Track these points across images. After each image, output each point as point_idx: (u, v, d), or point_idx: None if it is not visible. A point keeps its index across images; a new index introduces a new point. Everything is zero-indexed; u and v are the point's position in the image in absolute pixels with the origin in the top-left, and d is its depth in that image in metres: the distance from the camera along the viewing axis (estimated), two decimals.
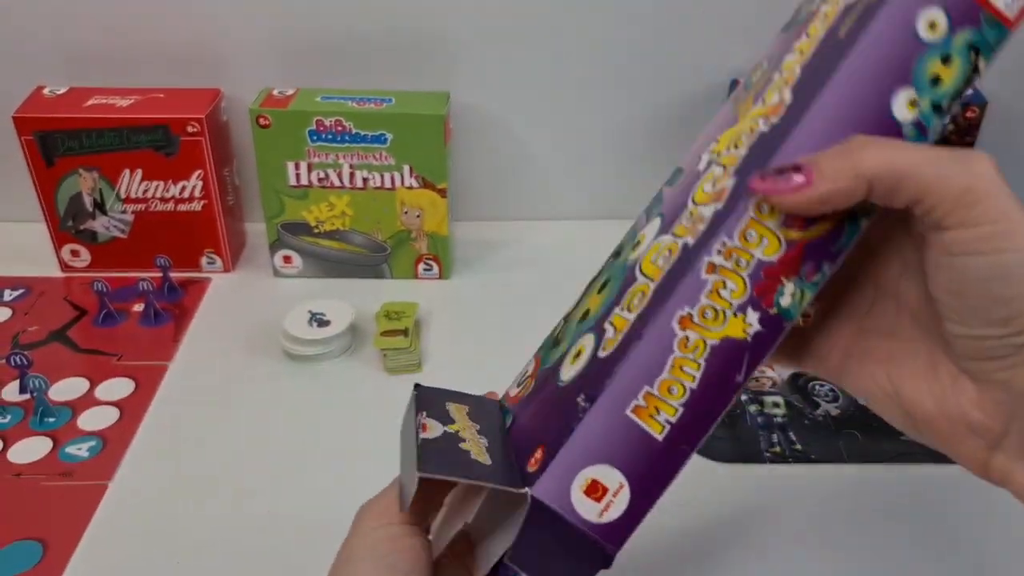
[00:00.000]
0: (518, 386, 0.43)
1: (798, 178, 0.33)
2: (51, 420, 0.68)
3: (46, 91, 0.80)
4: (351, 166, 0.79)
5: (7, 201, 0.89)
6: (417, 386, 0.43)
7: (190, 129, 0.78)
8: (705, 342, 0.35)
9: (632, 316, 0.36)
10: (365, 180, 0.79)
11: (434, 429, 0.39)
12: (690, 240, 0.36)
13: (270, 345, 0.75)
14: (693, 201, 0.37)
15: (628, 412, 0.35)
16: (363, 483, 0.63)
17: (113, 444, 0.66)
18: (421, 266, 0.84)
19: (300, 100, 0.78)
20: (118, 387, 0.71)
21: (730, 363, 0.35)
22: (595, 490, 0.35)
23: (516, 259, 0.88)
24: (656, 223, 0.39)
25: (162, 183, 0.80)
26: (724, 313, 0.35)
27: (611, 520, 0.35)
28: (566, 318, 0.43)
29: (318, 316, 0.75)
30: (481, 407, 0.43)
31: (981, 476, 0.35)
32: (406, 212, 0.81)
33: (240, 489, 0.63)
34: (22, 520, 0.60)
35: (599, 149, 0.90)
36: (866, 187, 0.32)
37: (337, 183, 0.80)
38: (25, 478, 0.63)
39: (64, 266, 0.85)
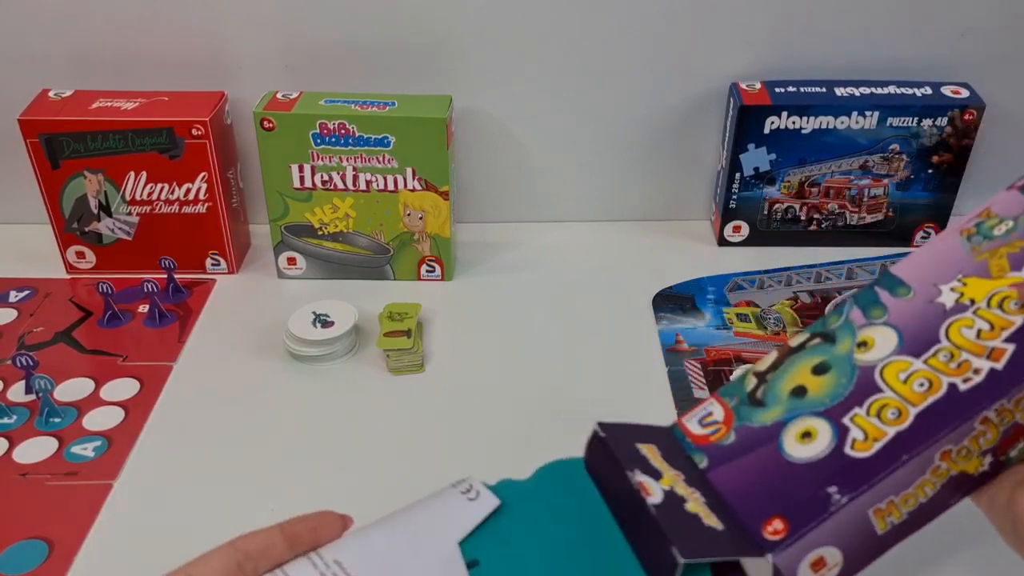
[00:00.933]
0: (703, 426, 0.47)
1: None
2: (57, 420, 0.68)
3: (51, 94, 0.81)
4: (354, 168, 0.79)
5: (13, 203, 0.90)
6: (602, 426, 0.46)
7: (195, 132, 0.78)
8: (949, 472, 0.40)
9: (889, 430, 0.41)
10: (368, 182, 0.80)
11: (654, 491, 0.43)
12: (959, 384, 0.40)
13: (274, 346, 0.76)
14: (950, 340, 0.42)
15: (870, 512, 0.40)
16: (366, 483, 0.64)
17: (118, 444, 0.66)
18: (424, 268, 0.85)
19: (304, 103, 0.78)
20: (123, 387, 0.72)
21: (955, 490, 0.41)
22: (820, 565, 0.41)
23: (518, 261, 0.89)
24: (891, 335, 0.44)
25: (167, 185, 0.81)
26: (973, 454, 0.40)
27: None
28: (760, 376, 0.47)
29: (322, 317, 0.75)
30: (666, 444, 0.47)
31: None
32: (409, 214, 0.82)
33: (244, 489, 0.63)
34: (28, 519, 0.60)
35: (600, 152, 0.90)
36: None
37: (340, 185, 0.80)
38: (31, 478, 0.64)
39: (69, 268, 0.85)
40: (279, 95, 0.80)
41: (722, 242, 0.90)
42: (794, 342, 0.47)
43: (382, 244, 0.83)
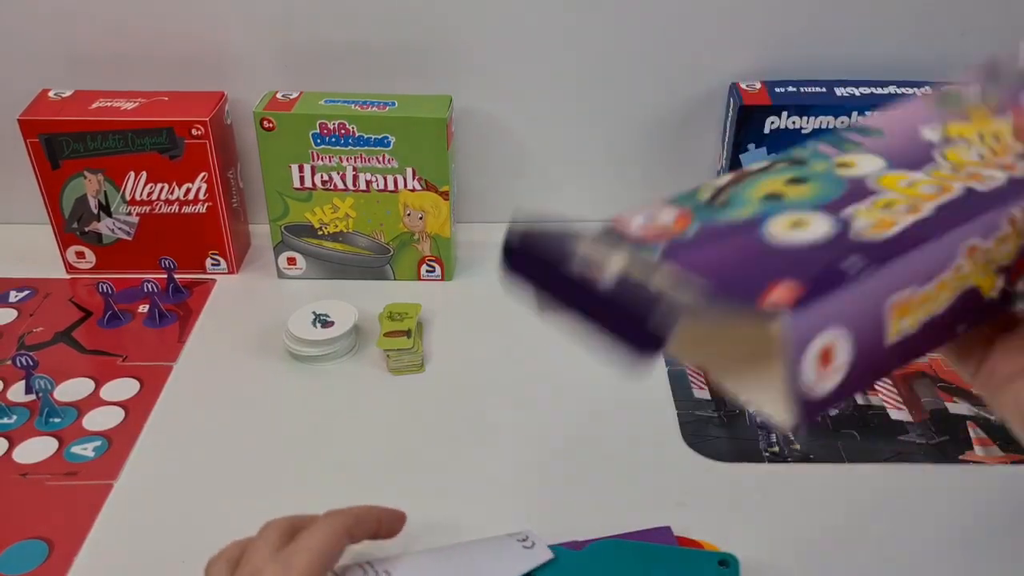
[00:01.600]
0: (647, 228, 0.37)
1: None
2: (57, 420, 0.68)
3: (51, 94, 0.81)
4: (354, 168, 0.79)
5: (13, 203, 0.90)
6: (516, 230, 0.36)
7: (194, 132, 0.78)
8: (968, 280, 0.34)
9: (905, 219, 0.34)
10: (368, 182, 0.80)
11: (607, 268, 0.33)
12: (976, 187, 0.35)
13: (274, 346, 0.76)
14: (949, 161, 0.36)
15: (888, 303, 0.33)
16: (366, 482, 0.64)
17: (118, 444, 0.66)
18: (424, 268, 0.85)
19: (304, 103, 0.78)
20: (123, 387, 0.72)
21: (966, 312, 0.35)
22: (827, 360, 0.33)
23: None
24: (875, 159, 0.37)
25: (167, 185, 0.81)
26: (992, 265, 0.35)
27: (821, 394, 0.33)
28: (719, 188, 0.39)
29: (322, 317, 0.75)
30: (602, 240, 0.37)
31: None
32: (409, 214, 0.82)
33: (244, 489, 0.63)
34: (28, 520, 0.60)
35: (600, 152, 0.90)
36: None
37: (340, 185, 0.80)
38: (31, 478, 0.64)
39: (69, 268, 0.85)
40: (279, 95, 0.79)
41: None
42: (755, 167, 0.39)
43: (382, 244, 0.83)
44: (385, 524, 0.52)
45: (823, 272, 0.32)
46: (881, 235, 0.33)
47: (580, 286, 0.34)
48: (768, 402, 0.34)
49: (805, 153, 0.39)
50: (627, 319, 0.32)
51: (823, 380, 0.33)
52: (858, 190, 0.35)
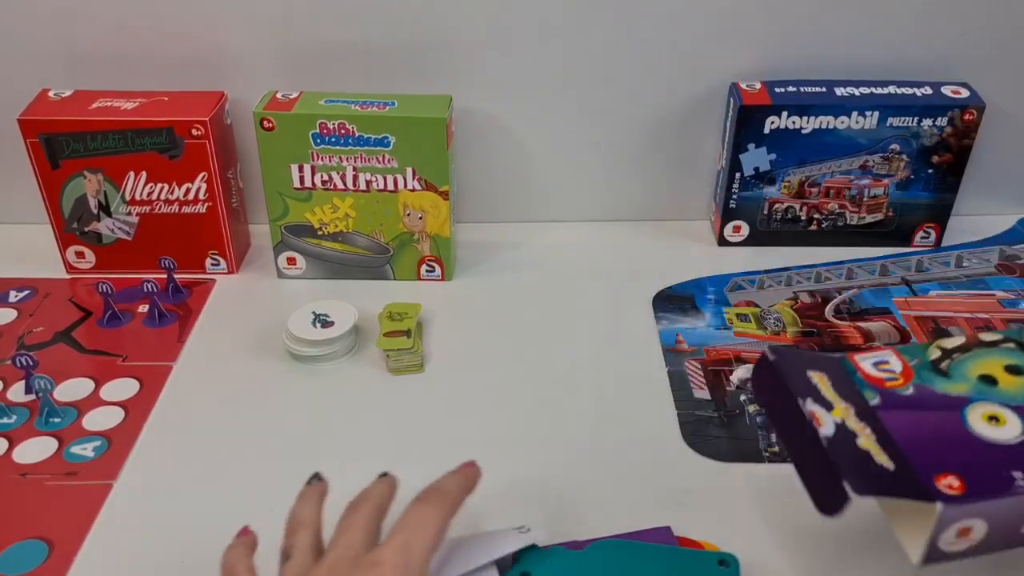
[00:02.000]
0: (877, 369, 0.48)
1: None
2: (56, 420, 0.68)
3: (51, 93, 0.81)
4: (354, 168, 0.79)
5: (13, 203, 0.90)
6: (772, 349, 0.47)
7: (194, 132, 0.78)
8: None
9: None
10: (368, 182, 0.80)
11: (825, 422, 0.44)
12: None
13: (274, 346, 0.76)
14: None
15: None
16: (366, 482, 0.63)
17: (118, 444, 0.66)
18: (423, 268, 0.85)
19: (304, 103, 0.78)
20: (123, 387, 0.72)
21: None
22: (965, 533, 0.41)
23: (517, 261, 0.89)
24: None
25: (167, 185, 0.81)
26: None
27: (950, 551, 0.42)
28: (946, 352, 0.48)
29: (322, 317, 0.75)
30: (836, 374, 0.47)
31: None
32: (408, 214, 0.82)
33: (244, 489, 0.63)
34: (27, 520, 0.60)
35: (600, 152, 0.90)
36: None
37: (340, 185, 0.80)
38: (30, 478, 0.63)
39: (69, 267, 0.85)
40: (279, 95, 0.79)
41: (722, 242, 0.90)
42: (986, 337, 0.48)
43: (382, 244, 0.83)
44: (469, 488, 0.53)
45: (988, 480, 0.40)
46: None
47: (799, 429, 0.44)
48: (909, 539, 0.43)
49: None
50: (817, 481, 0.43)
51: (957, 544, 0.41)
52: None
